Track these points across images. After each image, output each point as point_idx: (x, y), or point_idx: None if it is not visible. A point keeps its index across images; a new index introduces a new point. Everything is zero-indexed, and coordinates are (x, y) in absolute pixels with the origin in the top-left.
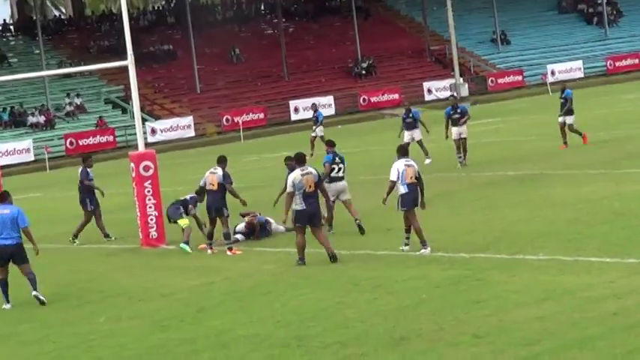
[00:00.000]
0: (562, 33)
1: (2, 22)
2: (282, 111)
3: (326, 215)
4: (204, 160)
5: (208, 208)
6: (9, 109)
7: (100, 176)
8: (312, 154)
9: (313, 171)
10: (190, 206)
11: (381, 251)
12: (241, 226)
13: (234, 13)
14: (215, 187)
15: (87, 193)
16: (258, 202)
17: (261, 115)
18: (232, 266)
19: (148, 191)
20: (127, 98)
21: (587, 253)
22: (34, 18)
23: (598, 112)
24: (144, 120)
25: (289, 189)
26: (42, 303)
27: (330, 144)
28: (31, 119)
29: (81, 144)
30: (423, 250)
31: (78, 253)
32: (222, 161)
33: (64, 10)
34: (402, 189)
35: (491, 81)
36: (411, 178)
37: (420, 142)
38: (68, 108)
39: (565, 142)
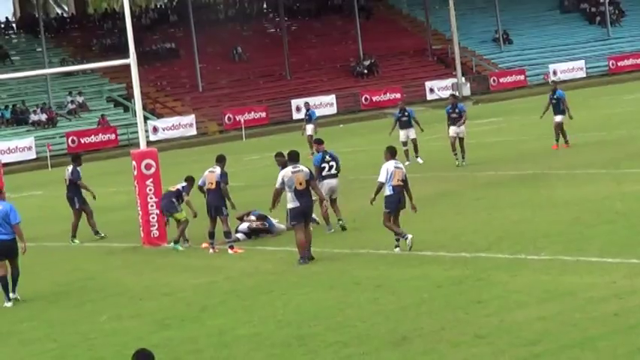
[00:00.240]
0: (564, 32)
1: (5, 19)
2: (284, 110)
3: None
4: (205, 159)
5: (208, 207)
6: (11, 106)
7: (101, 174)
8: (312, 153)
9: (304, 169)
10: (184, 194)
11: (382, 250)
12: (244, 226)
13: (236, 11)
14: (214, 186)
15: (75, 191)
16: (259, 201)
17: (263, 114)
18: (234, 265)
19: (150, 190)
20: (129, 96)
21: (589, 254)
22: (37, 16)
23: (600, 111)
24: (146, 118)
25: (278, 185)
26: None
27: (319, 142)
28: (33, 117)
29: (83, 142)
30: (397, 250)
31: (79, 251)
32: (220, 160)
33: (66, 8)
34: (387, 190)
35: (494, 80)
36: (398, 180)
37: (414, 141)
38: (70, 106)
39: (566, 141)
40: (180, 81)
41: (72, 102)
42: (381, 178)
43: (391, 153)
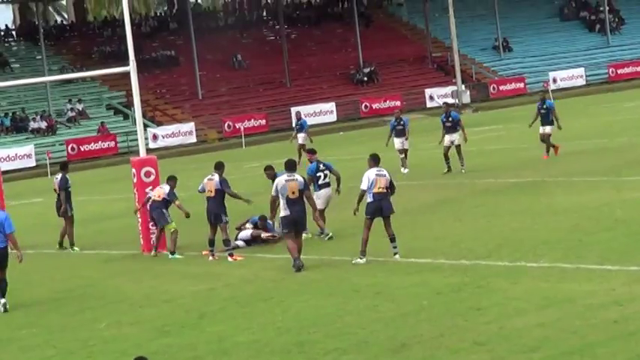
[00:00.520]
0: (564, 40)
1: (4, 27)
2: (283, 117)
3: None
4: (205, 167)
5: (208, 214)
6: (11, 114)
7: (101, 182)
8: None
9: (299, 178)
10: (172, 202)
11: (381, 258)
12: (247, 234)
13: (236, 19)
14: (213, 194)
15: (66, 199)
16: (259, 208)
17: (263, 122)
18: (233, 272)
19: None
20: (129, 104)
21: (589, 261)
22: (37, 23)
23: (600, 119)
24: (145, 126)
25: (273, 193)
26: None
27: (312, 152)
28: (33, 125)
29: (82, 150)
30: (357, 260)
31: (79, 258)
32: (219, 167)
33: (66, 16)
34: (368, 198)
35: (493, 88)
36: (380, 188)
37: (405, 152)
38: (70, 114)
39: (547, 152)
40: (179, 88)
41: (72, 109)
42: (363, 186)
43: (374, 160)
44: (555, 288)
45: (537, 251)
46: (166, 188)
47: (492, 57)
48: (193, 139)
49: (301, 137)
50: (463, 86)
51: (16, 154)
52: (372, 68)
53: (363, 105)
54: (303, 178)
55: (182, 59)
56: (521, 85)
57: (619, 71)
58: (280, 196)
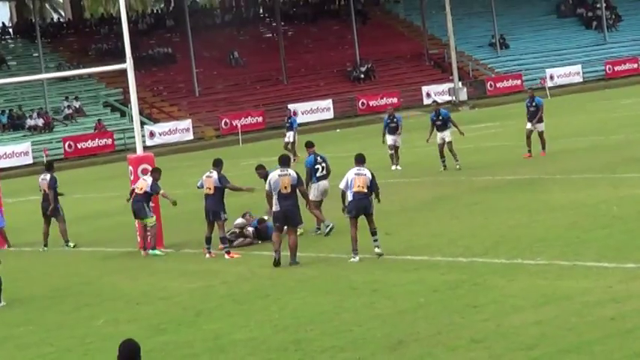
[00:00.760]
0: (561, 37)
1: (1, 24)
2: (280, 115)
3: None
4: (202, 164)
5: (206, 212)
6: (7, 111)
7: (98, 179)
8: (295, 160)
9: (292, 173)
10: (154, 194)
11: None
12: (240, 221)
13: (233, 16)
14: (212, 191)
15: (56, 199)
16: (256, 205)
17: (260, 119)
18: (230, 270)
19: None
20: (126, 101)
21: (586, 258)
22: (33, 21)
23: (597, 116)
24: (142, 123)
25: (267, 188)
26: None
27: (310, 145)
28: (30, 122)
29: (79, 147)
30: (352, 259)
31: (75, 256)
32: (217, 164)
33: (62, 13)
34: (349, 197)
35: (490, 85)
36: (359, 187)
37: (397, 148)
38: (67, 111)
39: (529, 151)
40: (176, 86)
41: (68, 107)
42: (341, 185)
43: (357, 160)
44: (552, 285)
45: (534, 249)
46: (149, 180)
47: (489, 54)
48: (190, 136)
49: (290, 135)
50: (460, 83)
51: (12, 152)
52: (369, 65)
53: (360, 102)
54: (297, 173)
55: (179, 56)
56: (518, 82)
57: (616, 68)
58: (272, 190)
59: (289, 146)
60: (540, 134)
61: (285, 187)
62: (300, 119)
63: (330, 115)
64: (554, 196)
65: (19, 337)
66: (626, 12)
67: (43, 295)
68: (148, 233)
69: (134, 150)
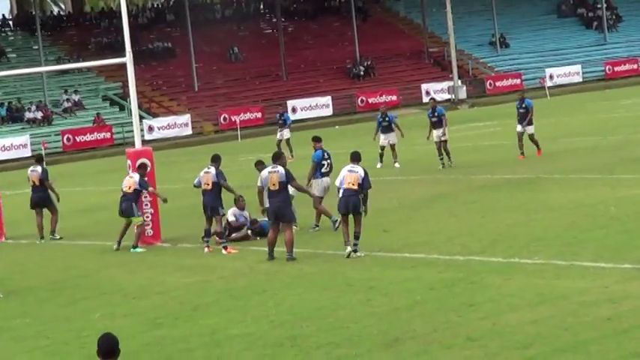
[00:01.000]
0: (561, 37)
1: (1, 17)
2: (279, 110)
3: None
4: (200, 159)
5: (204, 207)
6: (7, 104)
7: (96, 173)
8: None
9: (281, 170)
10: (143, 191)
11: (375, 252)
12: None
13: (233, 11)
14: (210, 187)
15: (53, 189)
16: (254, 200)
17: (259, 115)
18: (227, 265)
19: None
20: (125, 95)
21: (583, 258)
22: (33, 13)
23: (596, 116)
24: (141, 117)
25: (258, 184)
26: None
27: (318, 139)
28: (29, 115)
29: (78, 140)
30: (348, 250)
31: (73, 249)
32: (215, 160)
33: (63, 6)
34: (340, 193)
35: (490, 84)
36: (350, 184)
37: (393, 146)
38: (66, 104)
39: (522, 153)
40: (176, 80)
41: (67, 100)
42: (336, 182)
43: (351, 157)
44: (549, 285)
45: (531, 248)
46: (136, 177)
47: (489, 53)
48: (189, 131)
49: (286, 132)
50: (459, 82)
51: (11, 144)
52: (369, 62)
53: (359, 99)
54: (286, 170)
55: (179, 51)
56: (518, 81)
57: (615, 68)
58: (264, 187)
59: (284, 143)
60: (530, 137)
61: (274, 185)
62: (299, 115)
63: (329, 111)
64: (552, 195)
65: (16, 329)
66: (627, 12)
67: (40, 287)
68: (135, 231)
69: (133, 144)
